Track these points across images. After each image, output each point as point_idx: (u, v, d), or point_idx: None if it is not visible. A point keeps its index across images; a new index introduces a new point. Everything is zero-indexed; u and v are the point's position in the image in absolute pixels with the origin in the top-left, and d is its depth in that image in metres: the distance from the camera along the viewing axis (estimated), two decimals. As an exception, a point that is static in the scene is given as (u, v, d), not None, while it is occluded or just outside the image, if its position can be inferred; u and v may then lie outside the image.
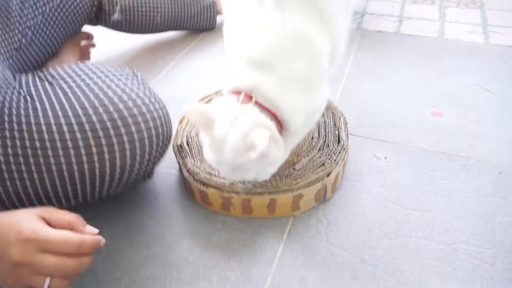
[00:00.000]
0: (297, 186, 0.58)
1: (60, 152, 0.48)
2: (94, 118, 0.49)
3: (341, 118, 0.70)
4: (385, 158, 0.71)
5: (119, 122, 0.49)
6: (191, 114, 0.47)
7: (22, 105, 0.49)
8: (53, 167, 0.48)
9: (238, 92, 0.49)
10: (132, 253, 0.58)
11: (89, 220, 0.58)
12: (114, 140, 0.49)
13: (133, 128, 0.50)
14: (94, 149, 0.48)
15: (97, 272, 0.55)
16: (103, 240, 0.46)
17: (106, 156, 0.49)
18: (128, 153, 0.50)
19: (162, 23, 1.06)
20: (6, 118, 0.48)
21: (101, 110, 0.49)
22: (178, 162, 0.66)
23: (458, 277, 0.52)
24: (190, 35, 1.18)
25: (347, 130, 0.69)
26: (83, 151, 0.48)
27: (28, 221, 0.41)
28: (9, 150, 0.47)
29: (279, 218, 0.61)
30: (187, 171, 0.63)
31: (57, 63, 0.90)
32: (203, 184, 0.61)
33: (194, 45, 1.12)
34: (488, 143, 0.73)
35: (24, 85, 0.52)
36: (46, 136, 0.47)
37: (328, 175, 0.61)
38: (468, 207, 0.61)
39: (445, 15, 1.16)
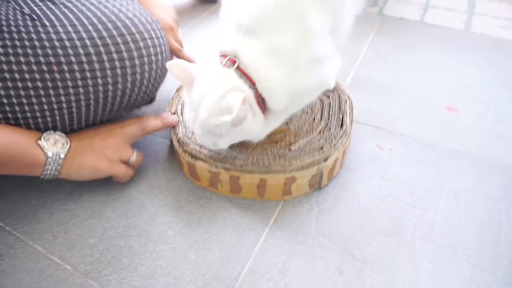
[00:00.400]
0: (291, 168, 0.54)
1: (75, 67, 0.49)
2: (105, 34, 0.50)
3: (347, 102, 0.66)
4: (390, 149, 0.66)
5: (128, 38, 0.52)
6: (174, 69, 0.49)
7: (29, 23, 0.49)
8: (69, 83, 0.49)
9: (224, 55, 0.48)
10: (111, 221, 0.55)
11: (69, 183, 0.56)
12: (125, 55, 0.51)
13: (141, 44, 0.53)
14: (101, 49, 0.50)
15: (72, 235, 0.53)
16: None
17: (118, 72, 0.51)
18: (138, 69, 0.53)
19: None
20: (15, 35, 0.47)
21: (110, 26, 0.51)
22: (170, 131, 0.63)
23: (452, 284, 0.48)
24: (200, 6, 1.13)
25: (352, 115, 0.64)
26: (97, 66, 0.50)
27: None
28: (24, 67, 0.47)
29: (268, 201, 0.58)
30: (177, 140, 0.60)
31: None
32: (192, 156, 0.57)
33: (205, 16, 1.07)
34: (504, 144, 0.67)
35: (23, 5, 0.51)
36: (60, 51, 0.48)
37: (326, 160, 0.56)
38: (473, 210, 0.57)
39: (474, 7, 1.08)
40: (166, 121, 0.61)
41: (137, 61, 0.53)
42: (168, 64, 0.49)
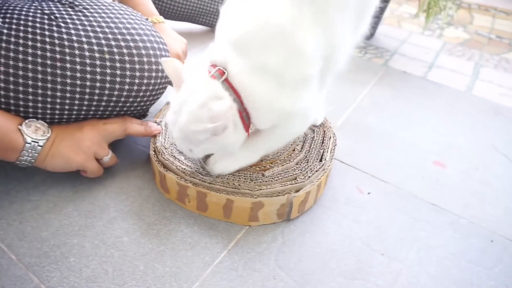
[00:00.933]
0: (259, 193, 0.53)
1: (78, 66, 0.52)
2: (113, 43, 0.54)
3: (332, 139, 0.65)
4: (369, 193, 0.65)
5: (134, 51, 0.55)
6: (167, 66, 0.50)
7: (46, 21, 0.52)
8: (68, 74, 0.52)
9: (214, 65, 0.48)
10: (70, 218, 0.54)
11: (40, 175, 0.56)
12: (127, 66, 0.54)
13: (145, 59, 0.56)
14: (107, 56, 0.53)
15: (26, 226, 0.52)
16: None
17: (117, 79, 0.54)
18: (136, 80, 0.56)
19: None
20: (29, 29, 0.51)
21: (120, 37, 0.55)
22: (150, 140, 0.63)
23: None
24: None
25: (334, 152, 0.63)
26: (98, 69, 0.53)
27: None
28: (29, 58, 0.50)
29: (233, 224, 0.56)
30: (154, 149, 0.60)
31: None
32: (164, 166, 0.57)
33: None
34: (487, 206, 0.65)
35: (45, 6, 0.55)
36: (67, 50, 0.52)
37: (297, 191, 0.55)
38: (444, 268, 0.54)
39: (478, 73, 1.09)
40: (149, 129, 0.62)
41: (137, 73, 0.55)
42: (162, 60, 0.51)
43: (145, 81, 0.57)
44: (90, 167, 0.56)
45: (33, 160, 0.52)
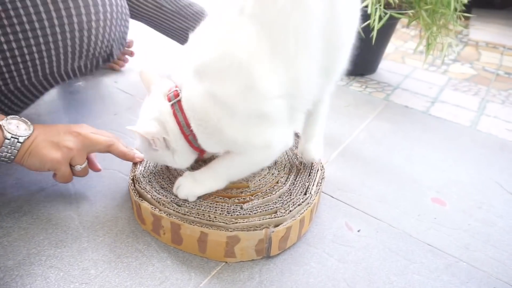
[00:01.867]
0: (235, 226, 0.50)
1: (24, 18, 0.54)
2: None
3: (319, 172, 0.63)
4: (358, 231, 0.61)
5: None
6: (143, 76, 0.56)
7: None
8: (18, 29, 0.54)
9: (176, 85, 0.52)
10: (39, 246, 0.52)
11: (15, 202, 0.54)
12: (73, 12, 0.56)
13: (90, 2, 0.58)
14: (54, 14, 0.55)
15: (-7, 255, 0.50)
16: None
17: (67, 28, 0.57)
18: (85, 25, 0.58)
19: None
20: None
21: None
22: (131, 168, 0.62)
23: None
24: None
25: (321, 186, 0.60)
26: (45, 18, 0.55)
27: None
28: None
29: (209, 260, 0.53)
30: (132, 178, 0.58)
31: None
32: (139, 195, 0.55)
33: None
34: (490, 249, 0.60)
35: None
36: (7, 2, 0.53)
37: (277, 225, 0.52)
38: (437, 317, 0.48)
39: (484, 108, 1.06)
40: (132, 155, 0.62)
41: (84, 18, 0.58)
42: (139, 70, 0.57)
43: (93, 24, 0.59)
44: (62, 170, 0.55)
45: (12, 157, 0.52)
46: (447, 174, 0.77)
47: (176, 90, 0.51)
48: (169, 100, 0.51)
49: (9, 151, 0.51)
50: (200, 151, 0.54)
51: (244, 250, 0.52)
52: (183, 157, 0.54)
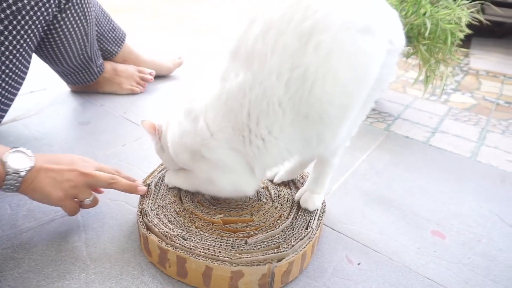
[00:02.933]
0: (239, 261, 0.52)
1: None
2: None
3: (321, 205, 0.64)
4: (358, 264, 0.62)
5: None
6: (145, 125, 0.65)
7: None
8: None
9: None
10: (48, 278, 0.54)
11: (27, 232, 0.56)
12: None
13: None
14: None
15: (4, 286, 0.52)
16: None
17: None
18: None
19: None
20: None
21: None
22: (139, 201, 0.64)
23: None
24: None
25: (322, 219, 0.62)
26: None
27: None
28: None
29: (213, 293, 0.54)
30: (140, 210, 0.61)
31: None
32: (147, 228, 0.57)
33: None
34: (490, 284, 0.60)
35: None
36: None
37: (279, 260, 0.54)
38: None
39: (485, 138, 1.08)
40: (135, 188, 0.64)
41: None
42: (141, 122, 0.65)
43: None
44: (67, 206, 0.59)
45: (15, 189, 0.54)
46: (447, 206, 0.78)
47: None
48: None
49: (12, 186, 0.54)
50: None
51: (248, 285, 0.53)
52: (168, 159, 0.64)
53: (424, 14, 0.97)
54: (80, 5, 0.93)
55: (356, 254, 0.64)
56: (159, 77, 1.30)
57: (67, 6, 0.90)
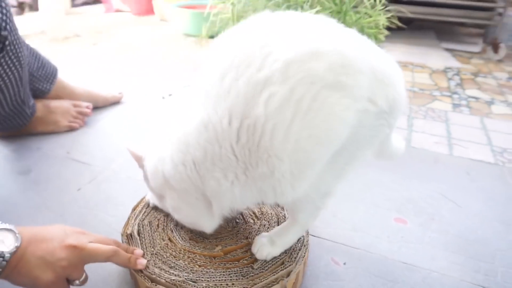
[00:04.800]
0: (256, 287, 0.54)
1: None
2: None
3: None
4: (344, 263, 0.68)
5: None
6: (129, 151, 0.64)
7: None
8: None
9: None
10: None
11: None
12: None
13: None
14: None
15: None
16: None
17: None
18: None
19: None
20: None
21: None
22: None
23: None
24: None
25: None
26: None
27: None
28: None
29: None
30: (133, 264, 0.58)
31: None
32: (151, 281, 0.56)
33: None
34: (450, 255, 0.71)
35: None
36: None
37: (288, 275, 0.57)
38: (428, 328, 0.57)
39: (412, 125, 1.23)
40: (134, 263, 0.57)
41: None
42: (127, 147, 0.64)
43: None
44: None
45: None
46: (401, 194, 0.88)
47: None
48: None
49: None
50: None
51: (265, 306, 0.56)
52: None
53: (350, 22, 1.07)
54: (14, 51, 0.85)
55: (340, 255, 0.70)
56: (96, 108, 1.23)
57: (1, 55, 0.81)
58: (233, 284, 0.55)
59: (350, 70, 0.43)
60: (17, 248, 0.47)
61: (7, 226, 0.49)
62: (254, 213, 0.69)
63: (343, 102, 0.43)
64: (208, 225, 0.60)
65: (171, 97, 1.38)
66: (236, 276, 0.56)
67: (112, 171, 0.93)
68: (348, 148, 0.48)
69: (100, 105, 1.26)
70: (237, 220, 0.67)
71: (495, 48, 1.94)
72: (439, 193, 0.89)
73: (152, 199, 0.69)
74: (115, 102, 1.31)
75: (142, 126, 1.16)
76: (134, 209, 0.70)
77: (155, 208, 0.69)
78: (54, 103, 1.11)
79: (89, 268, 0.61)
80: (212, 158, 0.49)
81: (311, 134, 0.44)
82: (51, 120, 1.09)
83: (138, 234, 0.64)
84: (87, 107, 1.16)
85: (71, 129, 1.11)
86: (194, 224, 0.62)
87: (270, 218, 0.68)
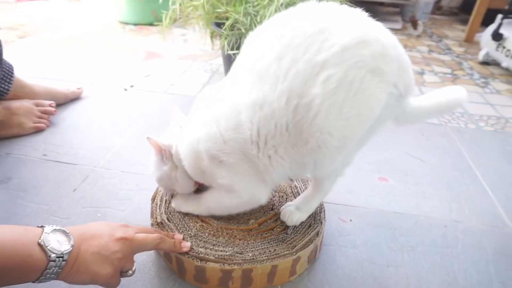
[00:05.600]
0: (296, 249, 0.61)
1: None
2: None
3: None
4: (350, 220, 0.78)
5: None
6: (150, 142, 0.63)
7: None
8: None
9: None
10: None
11: None
12: None
13: None
14: None
15: None
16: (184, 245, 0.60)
17: None
18: None
19: None
20: None
21: None
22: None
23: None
24: (139, 111, 1.19)
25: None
26: None
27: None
28: None
29: (275, 286, 0.62)
30: (177, 247, 0.61)
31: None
32: (201, 259, 0.59)
33: (144, 120, 1.13)
34: (429, 201, 0.86)
35: None
36: None
37: (318, 234, 0.65)
38: (430, 259, 0.70)
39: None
40: (180, 247, 0.60)
41: None
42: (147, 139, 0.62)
43: None
44: (114, 284, 0.53)
45: (55, 277, 0.47)
46: (376, 157, 1.01)
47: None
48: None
49: (53, 274, 0.46)
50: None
51: (302, 265, 0.63)
52: (183, 179, 0.64)
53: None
54: None
55: (344, 214, 0.80)
56: (57, 106, 1.15)
57: None
58: (274, 250, 0.61)
59: (387, 59, 0.50)
60: (72, 247, 0.48)
61: (57, 227, 0.49)
62: (270, 187, 0.76)
63: (381, 86, 0.50)
64: (265, 194, 0.61)
65: (132, 88, 1.35)
66: (275, 242, 0.62)
67: (102, 168, 0.91)
68: (372, 125, 0.55)
69: (60, 102, 1.18)
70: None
71: (414, 25, 2.21)
72: (406, 153, 1.04)
73: (181, 206, 0.68)
74: (75, 98, 1.24)
75: (112, 120, 1.12)
76: (153, 199, 0.72)
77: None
78: (15, 104, 1.02)
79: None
80: (266, 136, 0.53)
81: (359, 112, 0.50)
82: (14, 123, 1.00)
83: (169, 220, 0.66)
84: (51, 105, 1.09)
85: (38, 130, 1.04)
86: (251, 196, 0.61)
87: (285, 190, 0.75)
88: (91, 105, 1.22)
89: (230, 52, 1.12)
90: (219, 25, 1.23)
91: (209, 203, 0.65)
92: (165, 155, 0.64)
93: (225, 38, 1.14)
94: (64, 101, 1.20)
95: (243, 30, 1.11)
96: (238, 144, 0.55)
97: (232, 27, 1.14)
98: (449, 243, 0.74)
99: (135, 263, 0.57)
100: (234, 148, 0.55)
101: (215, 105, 0.57)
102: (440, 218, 0.81)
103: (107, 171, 0.90)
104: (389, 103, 0.53)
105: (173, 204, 0.68)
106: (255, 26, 1.09)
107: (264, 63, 0.51)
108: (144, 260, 0.66)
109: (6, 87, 1.00)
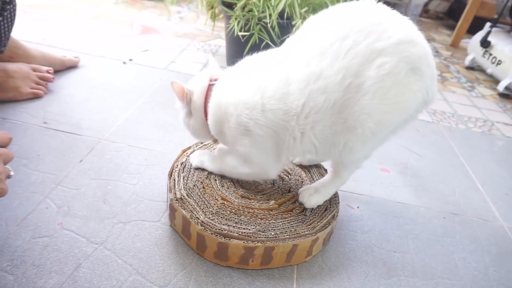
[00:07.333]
0: (315, 230, 0.63)
1: None
2: None
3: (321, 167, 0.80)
4: (358, 207, 0.81)
5: None
6: (173, 87, 0.66)
7: None
8: None
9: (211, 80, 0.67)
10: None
11: None
12: None
13: None
14: None
15: None
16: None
17: None
18: None
19: None
20: None
21: None
22: (184, 217, 0.62)
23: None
24: (141, 86, 1.16)
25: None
26: None
27: None
28: None
29: (283, 268, 0.63)
30: (200, 224, 0.61)
31: None
32: (224, 236, 0.59)
33: (147, 96, 1.11)
34: (428, 193, 0.90)
35: None
36: None
37: (334, 217, 0.67)
38: (432, 247, 0.74)
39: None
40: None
41: None
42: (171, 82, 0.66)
43: None
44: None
45: None
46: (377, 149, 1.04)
47: (218, 78, 0.66)
48: (210, 81, 0.66)
49: None
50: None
51: (318, 246, 0.65)
52: (198, 125, 0.68)
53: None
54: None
55: (352, 201, 0.83)
56: (54, 72, 1.10)
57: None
58: (295, 230, 0.62)
59: (427, 62, 0.55)
60: None
61: None
62: (285, 170, 0.77)
63: (419, 85, 0.55)
64: (276, 170, 0.65)
65: (131, 62, 1.30)
66: (296, 223, 0.64)
67: (108, 140, 0.88)
68: (398, 125, 0.59)
69: (57, 69, 1.12)
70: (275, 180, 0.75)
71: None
72: (404, 147, 1.08)
73: (197, 162, 0.72)
74: (72, 66, 1.18)
75: (113, 93, 1.09)
76: (170, 175, 0.71)
77: (195, 170, 0.71)
78: (12, 66, 0.96)
79: (141, 232, 0.63)
80: (310, 110, 0.55)
81: (398, 101, 0.55)
82: (11, 86, 0.95)
83: (189, 196, 0.66)
84: (48, 72, 1.04)
85: (35, 96, 0.99)
86: (262, 169, 0.64)
87: (299, 173, 0.77)
88: (89, 75, 1.17)
89: (240, 34, 1.11)
90: (226, 5, 1.21)
91: (224, 165, 0.70)
92: (186, 99, 0.67)
93: (236, 19, 1.13)
94: (61, 68, 1.14)
95: (255, 12, 1.10)
96: (275, 116, 0.57)
97: (242, 8, 1.13)
98: (448, 233, 0.79)
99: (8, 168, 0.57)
100: (269, 120, 0.58)
101: (262, 74, 0.59)
102: (438, 210, 0.85)
103: (114, 144, 0.87)
104: (418, 107, 0.58)
105: (192, 160, 0.72)
106: (268, 9, 1.08)
107: (327, 39, 0.54)
108: (160, 235, 0.65)
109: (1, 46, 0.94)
